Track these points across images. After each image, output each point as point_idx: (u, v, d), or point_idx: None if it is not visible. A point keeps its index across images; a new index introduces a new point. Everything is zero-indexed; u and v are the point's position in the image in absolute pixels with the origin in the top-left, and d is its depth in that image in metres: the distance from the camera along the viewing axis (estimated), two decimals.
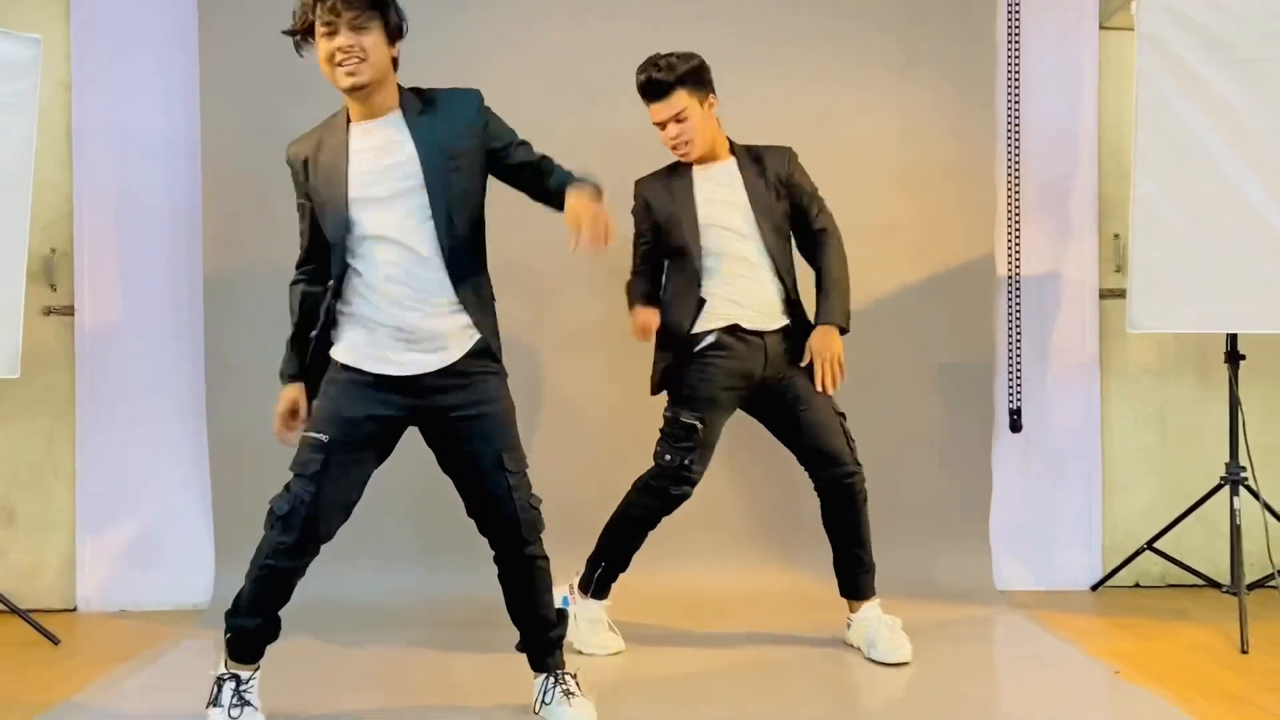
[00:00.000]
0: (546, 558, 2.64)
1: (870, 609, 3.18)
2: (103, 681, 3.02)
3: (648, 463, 3.16)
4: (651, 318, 3.14)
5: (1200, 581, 3.73)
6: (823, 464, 3.12)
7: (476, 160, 2.53)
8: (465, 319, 2.50)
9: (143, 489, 3.88)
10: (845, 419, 3.16)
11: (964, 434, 3.94)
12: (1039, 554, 3.98)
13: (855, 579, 3.19)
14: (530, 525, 2.56)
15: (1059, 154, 3.97)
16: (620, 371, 3.83)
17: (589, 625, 3.20)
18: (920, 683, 2.91)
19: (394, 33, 2.46)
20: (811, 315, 3.15)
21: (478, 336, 2.52)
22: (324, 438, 2.48)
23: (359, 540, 3.75)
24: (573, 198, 2.40)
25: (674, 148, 3.09)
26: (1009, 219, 3.95)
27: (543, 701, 2.59)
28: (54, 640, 3.43)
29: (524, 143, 2.59)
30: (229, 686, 2.56)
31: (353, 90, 2.42)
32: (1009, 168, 3.94)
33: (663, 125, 3.07)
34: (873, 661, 3.07)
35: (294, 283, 2.69)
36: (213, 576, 3.83)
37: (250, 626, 2.56)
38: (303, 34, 2.48)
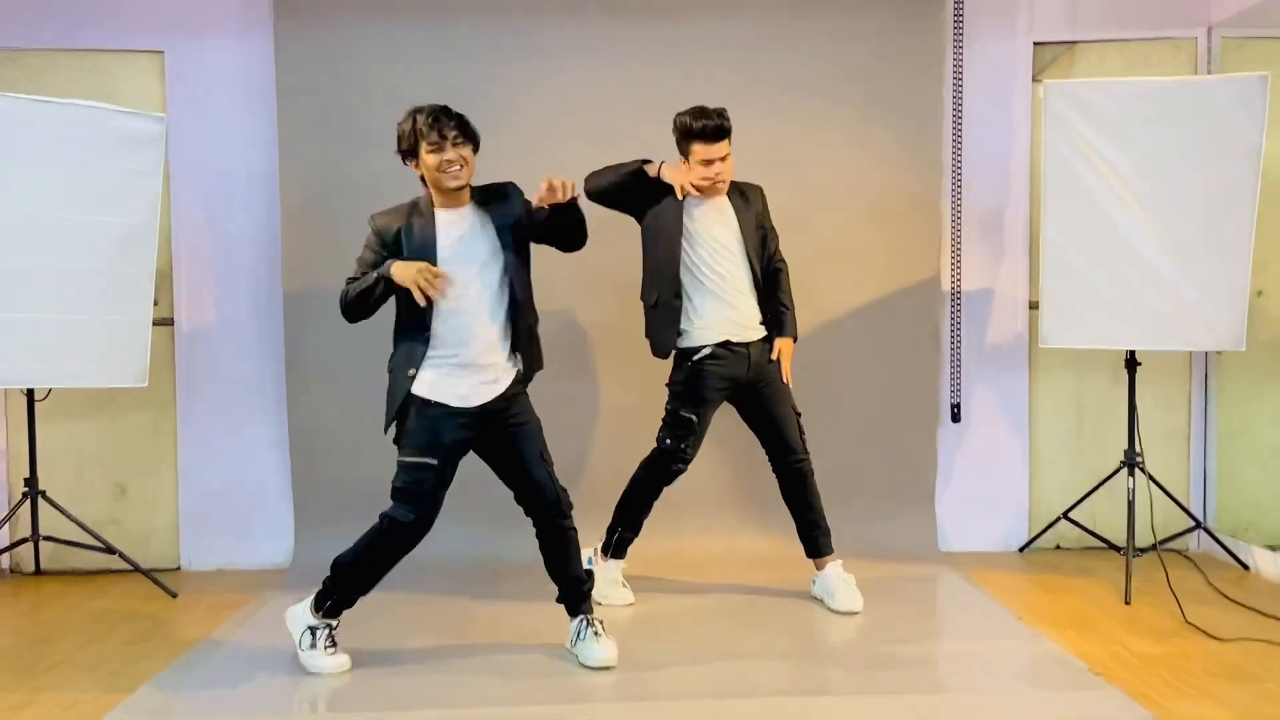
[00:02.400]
0: (575, 529, 3.41)
1: (832, 567, 3.94)
2: (224, 627, 3.80)
3: (648, 448, 3.90)
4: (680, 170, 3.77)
5: (1105, 545, 4.50)
6: (780, 451, 3.87)
7: (522, 233, 3.33)
8: (515, 357, 3.32)
9: (233, 469, 4.63)
10: (800, 416, 3.89)
11: (913, 423, 4.68)
12: (976, 521, 4.73)
13: (814, 541, 3.94)
14: (565, 502, 3.36)
15: (996, 187, 4.66)
16: (630, 374, 4.56)
17: (608, 583, 3.97)
18: (866, 627, 3.69)
19: (476, 148, 3.30)
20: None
21: (519, 369, 3.33)
22: (432, 461, 3.25)
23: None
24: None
25: (714, 182, 3.72)
26: (953, 243, 4.65)
27: (577, 638, 3.37)
28: (172, 594, 4.21)
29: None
30: (322, 634, 3.34)
31: (455, 189, 3.24)
32: (953, 200, 4.64)
33: (709, 163, 3.71)
34: (832, 610, 3.85)
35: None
36: (292, 541, 4.59)
37: (358, 583, 3.36)
38: (407, 153, 3.28)
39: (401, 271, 3.15)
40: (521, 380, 3.35)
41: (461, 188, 3.26)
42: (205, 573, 4.59)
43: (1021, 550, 4.72)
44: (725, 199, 3.83)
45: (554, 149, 4.55)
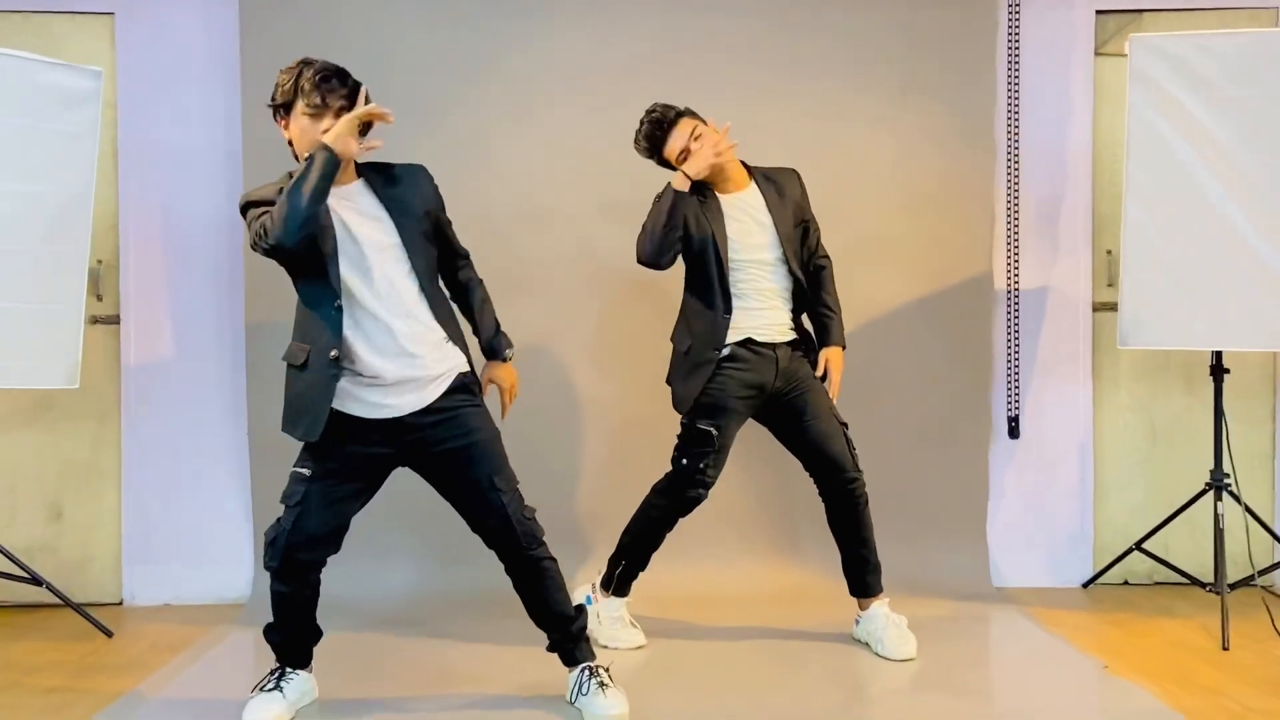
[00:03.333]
0: (553, 559, 2.82)
1: (878, 607, 3.37)
2: (160, 674, 3.22)
3: (662, 467, 3.35)
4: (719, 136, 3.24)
5: (1185, 580, 3.93)
6: (826, 470, 3.31)
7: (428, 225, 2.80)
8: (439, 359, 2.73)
9: (185, 489, 4.07)
10: (847, 428, 3.34)
11: (964, 439, 4.13)
12: (1034, 553, 4.17)
13: (862, 578, 3.38)
14: (528, 534, 2.76)
15: (1055, 174, 4.15)
16: (636, 379, 4.03)
17: (610, 621, 3.41)
18: (922, 676, 3.12)
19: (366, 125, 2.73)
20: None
21: (457, 373, 2.74)
22: (306, 471, 2.72)
23: (406, 538, 3.99)
24: (501, 369, 2.91)
25: (706, 152, 3.18)
26: (1008, 236, 4.13)
27: (579, 693, 2.79)
28: (108, 633, 3.63)
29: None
30: (273, 676, 2.83)
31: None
32: (1008, 187, 4.12)
33: (683, 154, 3.23)
34: (880, 657, 3.28)
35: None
36: (252, 572, 4.02)
37: (279, 640, 2.82)
38: (281, 107, 2.73)
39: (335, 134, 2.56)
40: (461, 390, 2.77)
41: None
42: (150, 608, 4.01)
43: (1085, 586, 4.16)
44: (753, 189, 3.31)
45: (552, 121, 4.07)
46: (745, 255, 3.27)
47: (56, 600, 3.71)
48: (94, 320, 4.03)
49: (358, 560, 3.84)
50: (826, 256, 3.42)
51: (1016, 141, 4.11)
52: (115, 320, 4.06)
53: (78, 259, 3.52)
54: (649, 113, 3.30)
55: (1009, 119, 4.11)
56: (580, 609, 2.91)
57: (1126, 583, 4.19)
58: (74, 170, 3.46)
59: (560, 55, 4.08)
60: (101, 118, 3.93)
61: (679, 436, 3.33)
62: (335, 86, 2.67)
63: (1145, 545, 3.95)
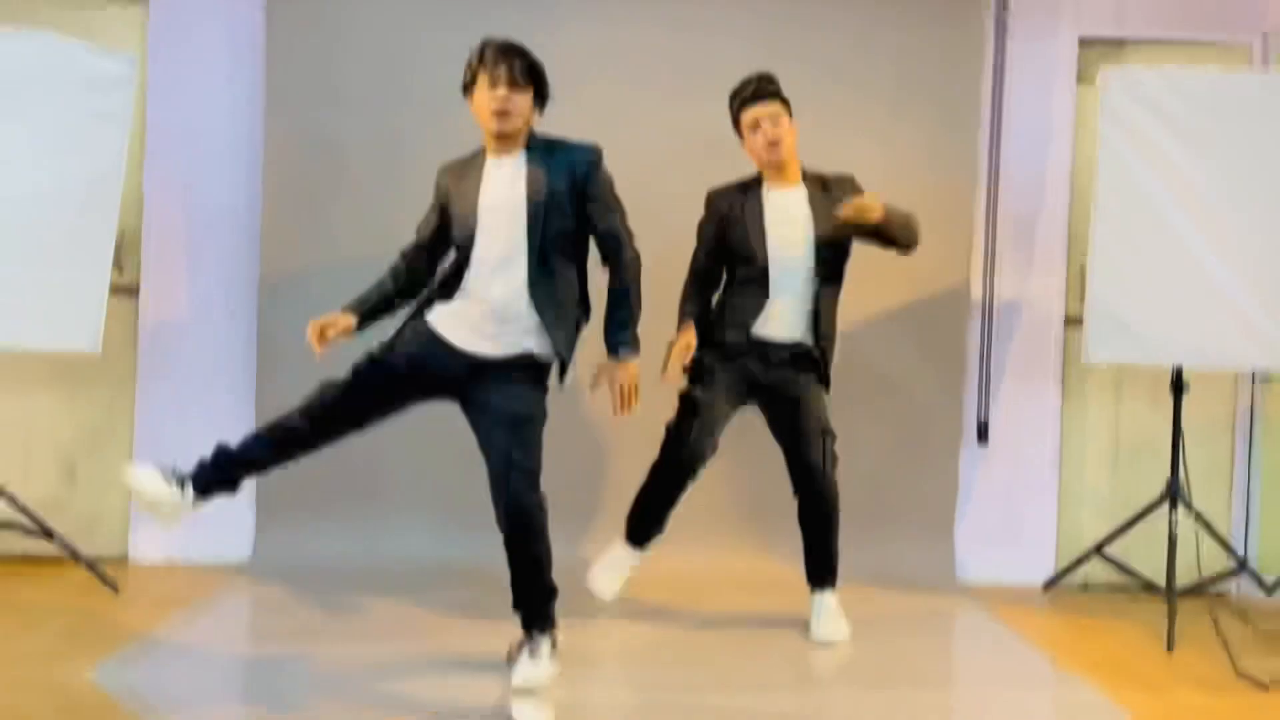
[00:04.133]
0: (543, 549, 2.97)
1: (822, 595, 3.55)
2: (162, 626, 3.41)
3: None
4: (692, 339, 3.49)
5: (1141, 586, 4.11)
6: (801, 472, 3.50)
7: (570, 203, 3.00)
8: (529, 331, 2.96)
9: (193, 454, 4.21)
10: (831, 438, 3.49)
11: (936, 442, 4.32)
12: (998, 552, 4.35)
13: (817, 572, 3.57)
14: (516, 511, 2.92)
15: (1034, 193, 4.34)
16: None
17: (609, 564, 3.59)
18: (878, 665, 3.31)
19: (542, 102, 3.05)
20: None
21: (527, 349, 2.96)
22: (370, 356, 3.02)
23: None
24: (614, 368, 2.96)
25: (768, 146, 3.42)
26: (986, 250, 4.32)
27: (512, 656, 3.01)
28: (114, 588, 3.82)
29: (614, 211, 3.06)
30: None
31: (500, 135, 2.96)
32: (989, 204, 4.32)
33: (757, 126, 3.43)
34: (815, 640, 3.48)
35: (401, 255, 3.22)
36: (252, 535, 4.22)
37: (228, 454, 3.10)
38: (467, 86, 3.02)
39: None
40: (527, 366, 2.98)
41: (507, 135, 2.97)
42: (154, 566, 4.20)
43: (1046, 587, 4.34)
44: (800, 187, 3.51)
45: (559, 123, 4.22)
46: (779, 244, 3.46)
47: (66, 555, 3.91)
48: (114, 290, 4.20)
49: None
50: None
51: (998, 161, 4.31)
52: (135, 291, 4.26)
53: (105, 232, 3.71)
54: (757, 78, 3.48)
55: (992, 140, 4.30)
56: (552, 591, 3.02)
57: (1086, 585, 4.36)
58: (105, 149, 3.66)
59: (563, 59, 4.16)
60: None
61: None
62: (512, 59, 2.94)
63: (1105, 550, 4.14)
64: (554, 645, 3.01)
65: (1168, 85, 3.67)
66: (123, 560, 4.24)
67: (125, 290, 4.24)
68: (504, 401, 2.93)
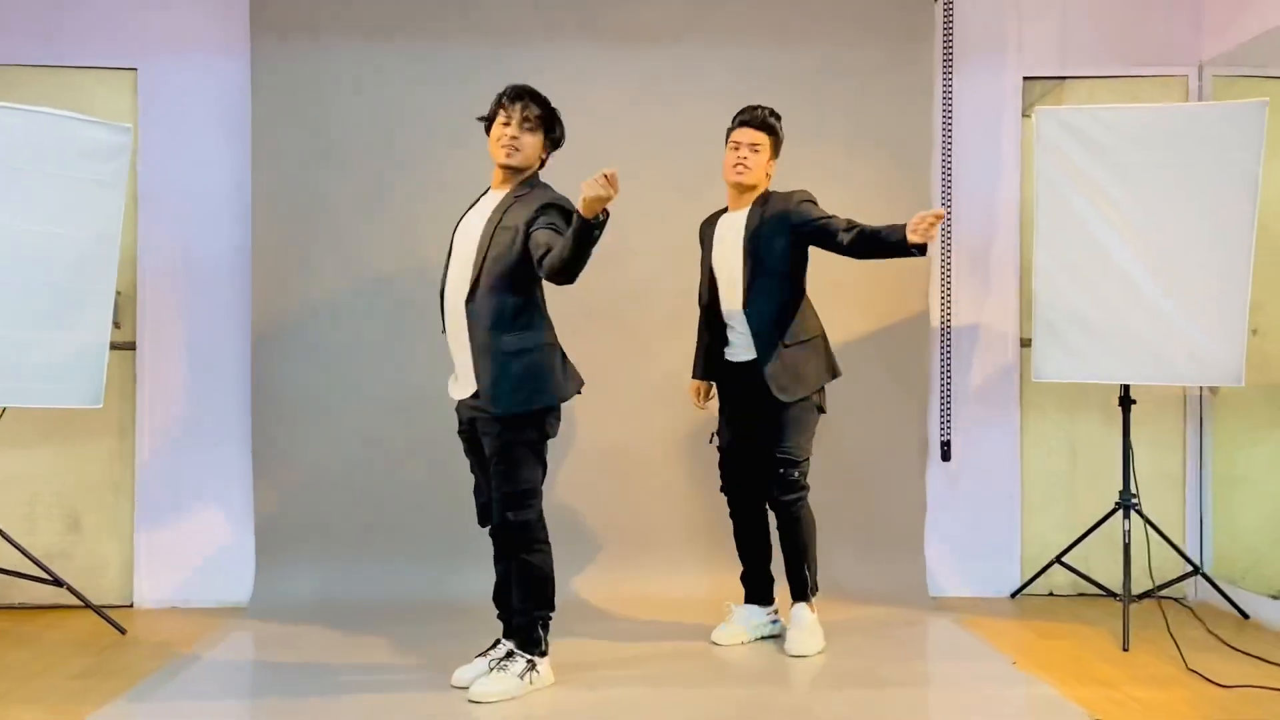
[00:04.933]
0: (535, 565, 3.26)
1: (799, 610, 3.74)
2: (171, 665, 3.58)
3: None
4: (691, 389, 3.93)
5: (1102, 592, 4.33)
6: (773, 488, 3.70)
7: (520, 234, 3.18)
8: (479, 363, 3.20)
9: (193, 502, 4.43)
10: (793, 460, 3.66)
11: (901, 462, 4.53)
12: (967, 565, 4.56)
13: (791, 583, 3.76)
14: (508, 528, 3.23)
15: (986, 223, 4.58)
16: (631, 408, 4.47)
17: (727, 620, 3.86)
18: (849, 670, 3.51)
19: (552, 144, 3.31)
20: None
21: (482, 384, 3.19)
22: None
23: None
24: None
25: (734, 165, 3.66)
26: (943, 278, 4.55)
27: (487, 658, 3.33)
28: (121, 630, 3.99)
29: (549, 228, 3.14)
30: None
31: (503, 164, 3.24)
32: (944, 234, 4.55)
33: (737, 147, 3.68)
34: (786, 654, 3.68)
35: None
36: (252, 578, 4.38)
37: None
38: (487, 121, 3.32)
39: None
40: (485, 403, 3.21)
41: (510, 167, 3.24)
42: (158, 610, 4.37)
43: (1013, 596, 4.55)
44: (745, 212, 3.71)
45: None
46: (721, 265, 3.74)
47: (74, 602, 4.07)
48: (112, 346, 4.36)
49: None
50: (848, 226, 3.50)
51: (950, 192, 4.54)
52: (132, 346, 4.43)
53: (105, 292, 3.90)
54: (758, 108, 3.71)
55: (944, 172, 4.53)
56: (541, 607, 3.28)
57: (1051, 594, 4.57)
58: (103, 214, 3.85)
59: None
60: None
61: None
62: (527, 102, 3.23)
63: (1065, 559, 4.36)
64: (531, 669, 3.24)
65: (1096, 120, 3.92)
66: (128, 606, 4.40)
67: (123, 345, 4.42)
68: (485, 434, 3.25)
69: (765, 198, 3.72)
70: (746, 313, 3.65)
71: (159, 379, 4.43)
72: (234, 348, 4.44)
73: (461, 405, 3.30)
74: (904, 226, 3.29)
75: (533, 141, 3.24)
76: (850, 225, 3.50)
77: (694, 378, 3.95)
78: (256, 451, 4.40)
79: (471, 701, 3.15)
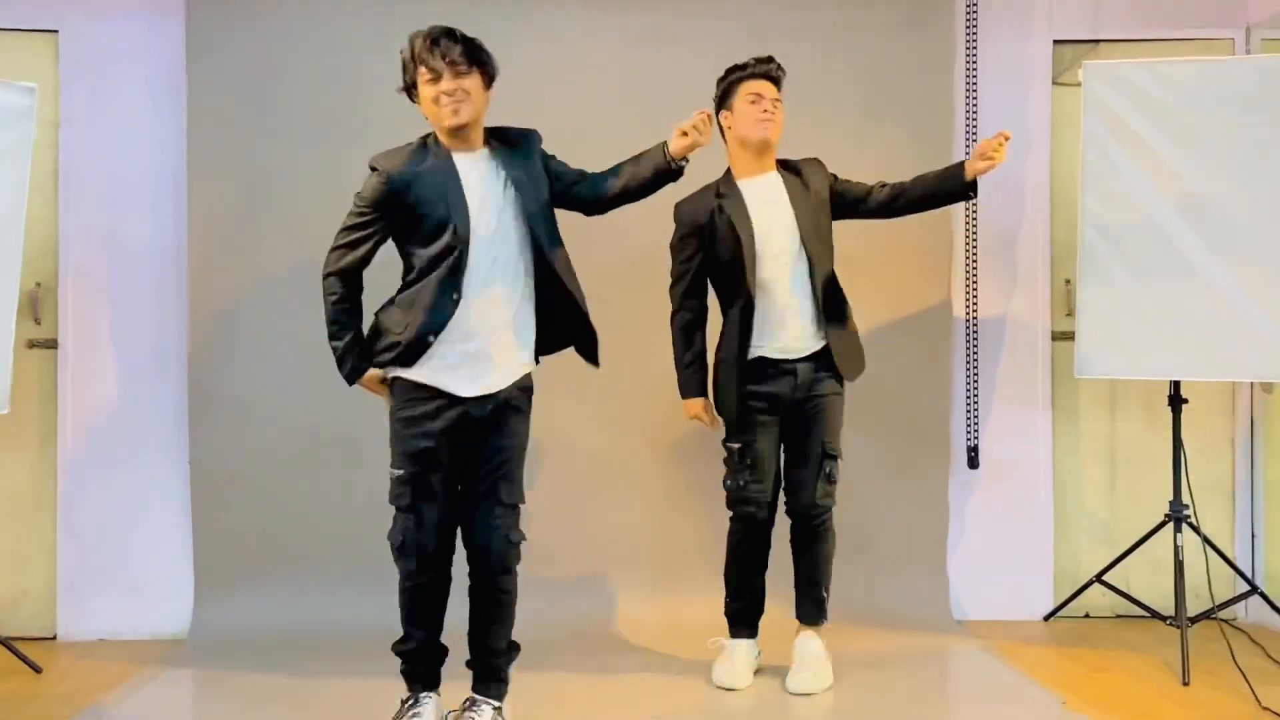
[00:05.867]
0: (508, 591, 2.81)
1: (804, 639, 3.31)
2: (87, 714, 3.08)
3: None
4: (700, 409, 3.32)
5: (1146, 613, 3.87)
6: (790, 491, 3.27)
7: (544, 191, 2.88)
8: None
9: (123, 520, 3.94)
10: (833, 460, 3.25)
11: (924, 469, 4.08)
12: (995, 585, 4.11)
13: (801, 604, 3.34)
14: (500, 555, 2.77)
15: (1013, 203, 4.13)
16: (619, 409, 4.01)
17: (725, 658, 3.34)
18: (879, 712, 3.05)
19: (489, 80, 2.80)
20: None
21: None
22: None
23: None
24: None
25: (759, 119, 3.23)
26: (967, 265, 4.10)
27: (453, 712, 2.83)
28: (36, 669, 3.50)
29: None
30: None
31: (456, 129, 2.72)
32: (967, 217, 4.10)
33: (758, 99, 3.23)
34: (789, 692, 3.23)
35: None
36: (191, 606, 3.89)
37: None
38: (409, 89, 2.79)
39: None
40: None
41: (463, 126, 2.73)
42: (84, 643, 3.86)
43: (1047, 618, 4.10)
44: (776, 177, 3.27)
45: None
46: (768, 242, 3.22)
47: None
48: (31, 344, 3.91)
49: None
50: (887, 186, 3.30)
51: None
52: (53, 345, 3.94)
53: (8, 281, 3.41)
54: (771, 60, 3.33)
55: (968, 148, 4.08)
56: (513, 645, 2.86)
57: (1088, 615, 4.13)
58: (4, 190, 3.36)
59: (520, 81, 3.98)
60: (42, 137, 3.86)
61: (724, 460, 3.31)
62: (447, 44, 2.71)
63: (1106, 577, 3.91)
64: (498, 713, 2.82)
65: (1153, 74, 3.47)
66: (51, 639, 3.90)
67: (44, 343, 3.94)
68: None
69: (788, 163, 3.32)
70: (816, 289, 3.21)
71: (84, 381, 3.94)
72: (169, 345, 3.96)
73: (467, 407, 2.75)
74: (955, 167, 3.00)
75: (475, 85, 2.74)
76: (882, 185, 3.23)
77: (691, 395, 3.34)
78: (195, 462, 3.92)
79: None
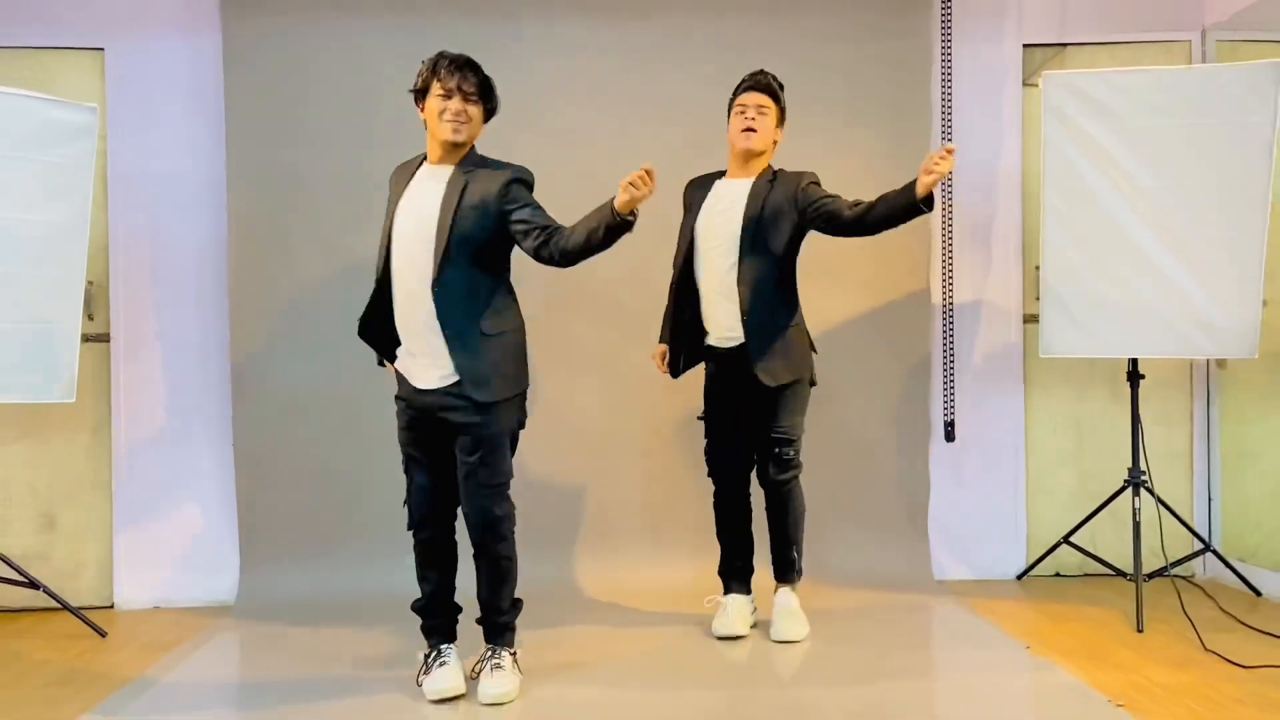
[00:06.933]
0: (509, 557, 3.10)
1: (780, 594, 3.65)
2: (156, 667, 3.43)
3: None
4: (656, 352, 3.73)
5: (1110, 571, 4.22)
6: (757, 465, 3.60)
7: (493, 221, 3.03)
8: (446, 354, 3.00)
9: (172, 497, 4.27)
10: (786, 444, 3.52)
11: (904, 443, 4.41)
12: (971, 547, 4.46)
13: (775, 563, 3.67)
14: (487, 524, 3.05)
15: (987, 196, 4.45)
16: (623, 393, 4.34)
17: (720, 612, 3.66)
18: (859, 660, 3.39)
19: (489, 114, 3.12)
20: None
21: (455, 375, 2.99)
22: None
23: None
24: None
25: (742, 129, 3.50)
26: (943, 254, 4.43)
27: (475, 670, 3.14)
28: (101, 633, 3.84)
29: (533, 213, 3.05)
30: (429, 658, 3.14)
31: (451, 143, 3.03)
32: (944, 209, 4.42)
33: (743, 111, 3.51)
34: (771, 640, 3.57)
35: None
36: (237, 576, 4.23)
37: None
38: (419, 93, 3.09)
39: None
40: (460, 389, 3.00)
41: (458, 144, 3.05)
42: (140, 610, 4.22)
43: (1020, 577, 4.45)
44: (747, 184, 3.53)
45: (522, 153, 4.29)
46: (708, 235, 3.52)
47: (52, 604, 3.92)
48: (85, 338, 4.22)
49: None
50: (855, 203, 3.35)
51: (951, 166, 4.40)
52: (105, 339, 4.27)
53: (74, 282, 3.74)
54: (760, 72, 3.57)
55: (944, 144, 4.38)
56: (516, 603, 3.15)
57: (1058, 574, 4.47)
58: (70, 199, 3.68)
59: (524, 89, 4.30)
60: None
61: None
62: (466, 73, 3.02)
63: (1073, 539, 4.25)
64: (515, 658, 3.14)
65: (1106, 84, 3.79)
66: (109, 607, 4.24)
67: (96, 338, 4.26)
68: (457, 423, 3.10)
69: (774, 174, 3.56)
70: (740, 289, 3.44)
71: (134, 372, 4.27)
72: (212, 338, 4.28)
73: (419, 396, 3.04)
74: (910, 184, 3.15)
75: (477, 114, 3.07)
76: (856, 203, 3.35)
77: (661, 341, 3.74)
78: (238, 445, 4.24)
79: (492, 705, 3.01)
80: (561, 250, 2.93)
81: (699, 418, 3.71)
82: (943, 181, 4.32)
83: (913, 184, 3.16)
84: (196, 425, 4.28)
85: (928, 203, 3.15)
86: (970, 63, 4.44)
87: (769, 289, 3.46)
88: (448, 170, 3.06)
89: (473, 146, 3.12)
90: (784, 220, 3.46)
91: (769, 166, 3.59)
